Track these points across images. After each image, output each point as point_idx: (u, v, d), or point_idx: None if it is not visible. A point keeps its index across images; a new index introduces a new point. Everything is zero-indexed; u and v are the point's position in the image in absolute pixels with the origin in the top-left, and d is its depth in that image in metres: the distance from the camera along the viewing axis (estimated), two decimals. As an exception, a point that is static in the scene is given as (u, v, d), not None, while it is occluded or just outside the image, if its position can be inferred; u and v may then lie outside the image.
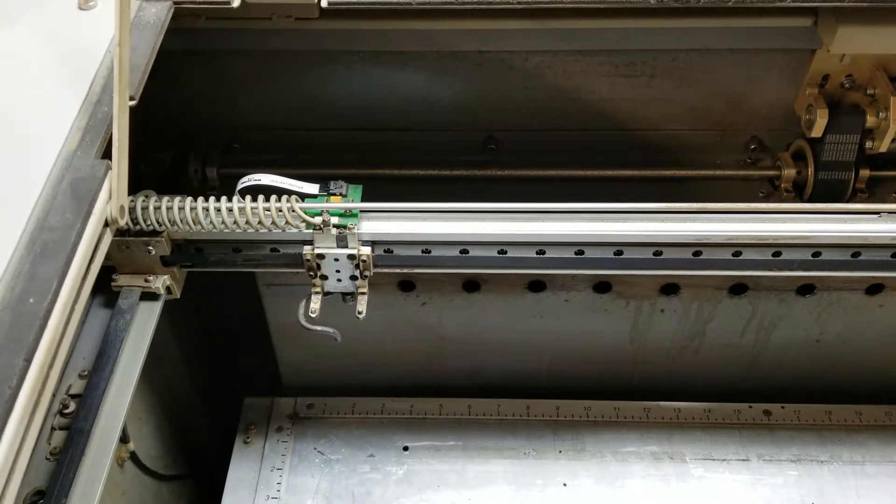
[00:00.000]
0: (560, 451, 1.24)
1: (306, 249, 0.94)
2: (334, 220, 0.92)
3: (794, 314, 1.24)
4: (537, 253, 0.96)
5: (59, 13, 0.88)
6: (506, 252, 0.95)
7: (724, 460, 1.24)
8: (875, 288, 1.20)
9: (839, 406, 1.29)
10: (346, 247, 0.94)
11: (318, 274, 0.97)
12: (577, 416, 1.28)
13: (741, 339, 1.28)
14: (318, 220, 0.91)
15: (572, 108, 1.18)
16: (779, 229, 0.94)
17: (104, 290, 0.95)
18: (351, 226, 0.92)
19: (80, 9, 0.88)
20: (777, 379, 1.34)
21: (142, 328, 0.94)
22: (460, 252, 0.96)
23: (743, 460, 1.24)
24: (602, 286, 1.20)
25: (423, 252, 0.96)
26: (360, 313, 0.99)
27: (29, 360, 0.62)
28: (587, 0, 0.89)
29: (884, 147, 1.11)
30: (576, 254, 0.96)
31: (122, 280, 0.96)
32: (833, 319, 1.25)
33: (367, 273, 0.97)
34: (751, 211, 0.96)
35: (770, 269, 0.99)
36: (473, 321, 1.24)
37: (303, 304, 0.99)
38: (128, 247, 0.92)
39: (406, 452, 1.23)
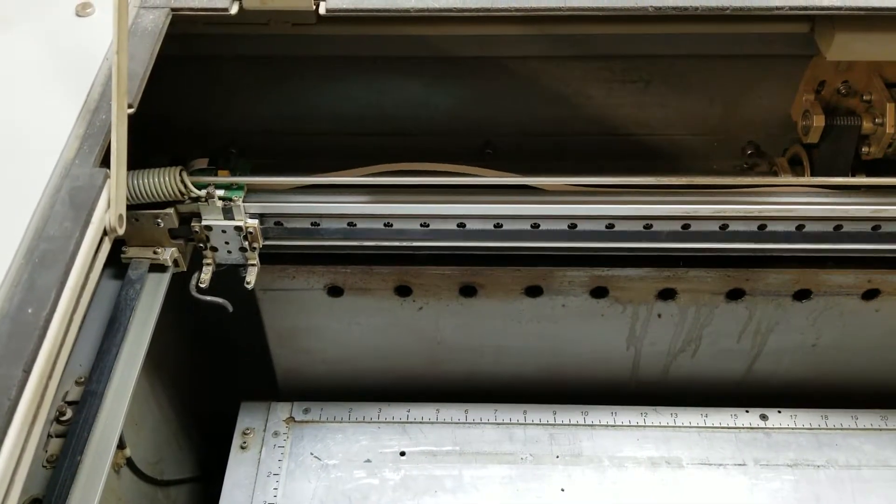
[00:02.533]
0: (557, 456, 1.25)
1: (194, 221, 1.00)
2: (219, 192, 0.97)
3: (791, 319, 1.24)
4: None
5: (57, 20, 0.87)
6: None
7: (720, 465, 1.24)
8: (871, 293, 1.20)
9: (835, 410, 1.29)
10: (233, 219, 0.99)
11: (208, 245, 1.03)
12: (574, 421, 1.28)
13: (738, 343, 1.29)
14: (202, 192, 0.96)
15: (570, 114, 1.19)
16: (764, 201, 1.02)
17: (114, 262, 0.99)
18: (235, 198, 0.98)
19: (78, 15, 0.87)
20: (774, 383, 1.35)
21: (150, 298, 0.99)
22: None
23: (739, 465, 1.24)
24: (599, 291, 1.20)
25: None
26: (248, 283, 1.05)
27: (28, 371, 0.62)
28: (584, 6, 0.88)
29: (880, 153, 1.12)
30: (570, 227, 1.04)
31: (131, 252, 1.00)
32: (829, 324, 1.25)
33: (255, 245, 1.03)
34: (737, 185, 1.04)
35: (755, 242, 1.06)
36: (470, 326, 1.24)
37: (195, 275, 1.05)
38: (137, 219, 0.97)
39: (403, 457, 1.23)
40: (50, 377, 0.65)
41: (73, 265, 0.68)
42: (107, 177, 0.74)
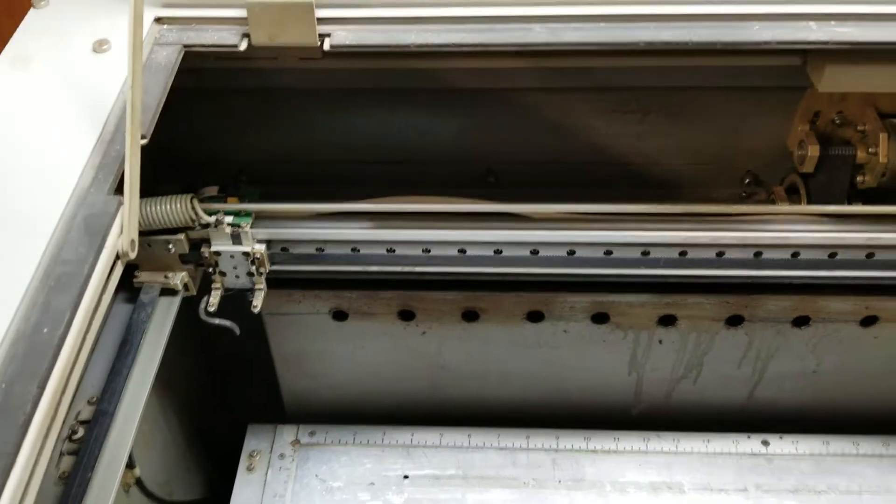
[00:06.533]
0: (559, 481, 1.26)
1: (204, 246, 1.03)
2: (228, 219, 1.01)
3: (791, 345, 1.26)
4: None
5: (75, 56, 0.91)
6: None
7: (722, 490, 1.25)
8: (869, 320, 1.22)
9: (837, 436, 1.30)
10: (241, 244, 1.03)
11: (217, 271, 1.06)
12: (576, 447, 1.30)
13: (739, 370, 1.30)
14: (212, 219, 1.00)
15: (569, 143, 1.22)
16: (759, 229, 1.05)
17: (127, 286, 1.02)
18: (244, 225, 1.02)
19: (95, 52, 0.92)
20: (775, 409, 1.36)
21: (161, 321, 1.02)
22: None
23: (741, 490, 1.25)
24: (600, 317, 1.22)
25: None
26: (255, 307, 1.08)
27: (42, 388, 0.65)
28: (577, 41, 0.92)
29: (874, 182, 1.14)
30: (568, 253, 1.07)
31: (143, 276, 1.03)
32: (829, 351, 1.26)
33: (262, 270, 1.06)
34: (733, 213, 1.07)
35: (752, 269, 1.08)
36: (473, 351, 1.27)
37: (204, 298, 1.08)
38: (149, 245, 1.00)
39: (406, 481, 1.25)
40: (63, 394, 0.68)
41: (87, 287, 0.71)
42: (120, 204, 0.78)
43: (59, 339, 0.68)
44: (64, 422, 0.88)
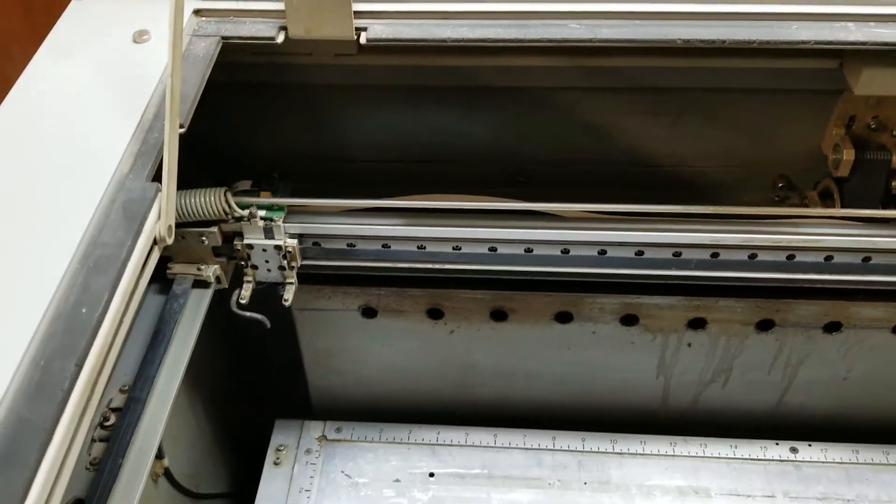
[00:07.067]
0: (585, 483, 1.25)
1: (237, 240, 1.04)
2: (261, 212, 1.02)
3: (821, 351, 1.24)
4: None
5: (115, 46, 0.93)
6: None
7: (749, 496, 1.24)
8: (902, 327, 1.20)
9: (867, 445, 1.28)
10: (273, 238, 1.03)
11: (249, 264, 1.07)
12: (602, 449, 1.29)
13: (768, 375, 1.29)
14: (245, 212, 1.01)
15: (600, 143, 1.22)
16: (793, 232, 1.04)
17: (160, 278, 1.03)
18: (276, 219, 1.02)
19: (135, 42, 0.93)
20: (804, 416, 1.34)
21: (193, 312, 1.02)
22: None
23: (769, 497, 1.24)
24: (629, 319, 1.22)
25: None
26: (286, 301, 1.09)
27: (80, 366, 0.65)
28: (613, 38, 0.92)
29: (910, 188, 1.13)
30: (599, 253, 1.07)
31: (176, 268, 1.04)
32: (860, 358, 1.25)
33: (293, 264, 1.06)
34: (766, 216, 1.06)
35: (784, 272, 1.08)
36: (501, 350, 1.27)
37: (236, 291, 1.08)
38: (183, 237, 1.01)
39: (432, 479, 1.25)
40: (99, 374, 0.69)
41: (125, 270, 0.72)
42: (158, 190, 0.79)
43: (98, 319, 0.69)
44: (97, 408, 0.90)
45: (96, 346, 0.67)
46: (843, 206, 1.18)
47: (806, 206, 1.22)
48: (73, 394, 0.64)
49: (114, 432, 0.91)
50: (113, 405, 0.94)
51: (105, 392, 0.92)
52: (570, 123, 1.19)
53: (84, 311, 0.68)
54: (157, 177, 0.81)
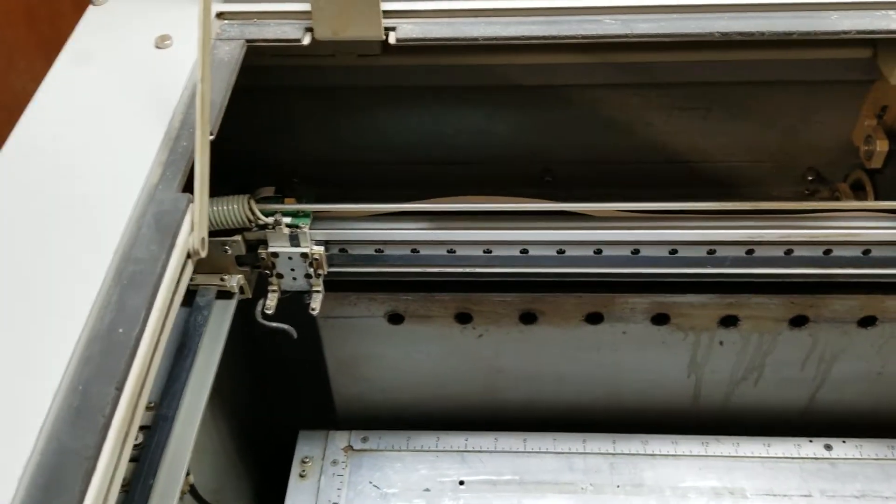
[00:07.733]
0: (618, 486, 1.23)
1: (261, 248, 1.01)
2: (286, 220, 0.99)
3: (856, 346, 1.22)
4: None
5: (137, 52, 0.90)
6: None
7: (785, 496, 1.22)
8: (939, 320, 1.18)
9: (903, 441, 1.26)
10: (299, 245, 1.00)
11: (274, 272, 1.04)
12: (634, 451, 1.26)
13: (801, 372, 1.26)
14: (270, 219, 0.98)
15: (629, 141, 1.19)
16: (830, 226, 1.01)
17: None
18: (302, 226, 0.99)
19: (157, 48, 0.90)
20: (838, 413, 1.32)
21: (218, 324, 1.00)
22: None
23: (805, 496, 1.21)
24: (660, 318, 1.19)
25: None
26: (313, 310, 1.05)
27: (120, 389, 0.62)
28: (650, 33, 0.89)
29: (945, 177, 1.11)
30: (633, 252, 1.04)
31: (199, 279, 1.01)
32: (895, 352, 1.23)
33: (320, 271, 1.04)
34: (802, 210, 1.03)
35: (821, 267, 1.05)
36: (530, 353, 1.24)
37: (260, 301, 1.05)
38: None
39: (462, 487, 1.22)
40: (140, 396, 0.66)
41: (160, 286, 0.69)
42: (190, 201, 0.76)
43: (135, 339, 0.66)
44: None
45: (135, 368, 0.64)
46: (876, 198, 1.16)
47: (837, 198, 1.20)
48: (114, 419, 0.61)
49: (143, 452, 0.88)
50: (141, 423, 0.91)
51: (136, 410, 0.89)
52: (599, 121, 1.17)
53: (121, 331, 0.65)
54: (187, 187, 0.78)
